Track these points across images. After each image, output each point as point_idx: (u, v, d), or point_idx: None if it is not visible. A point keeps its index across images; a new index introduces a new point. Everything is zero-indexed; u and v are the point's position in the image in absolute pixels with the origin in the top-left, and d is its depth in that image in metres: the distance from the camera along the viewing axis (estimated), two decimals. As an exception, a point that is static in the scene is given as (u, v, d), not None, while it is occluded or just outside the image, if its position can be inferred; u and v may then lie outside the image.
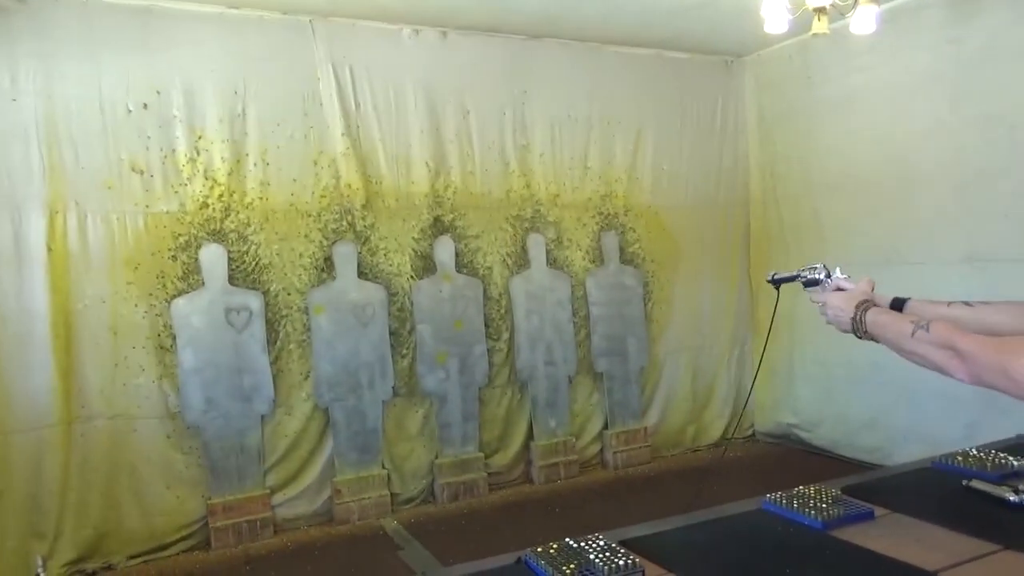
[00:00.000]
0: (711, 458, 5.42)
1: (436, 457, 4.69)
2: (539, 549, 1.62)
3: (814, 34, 3.66)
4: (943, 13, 4.38)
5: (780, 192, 5.61)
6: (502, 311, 4.98)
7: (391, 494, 4.52)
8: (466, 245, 4.88)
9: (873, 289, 1.48)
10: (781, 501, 1.89)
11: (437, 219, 4.79)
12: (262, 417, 4.25)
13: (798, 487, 1.95)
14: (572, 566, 1.51)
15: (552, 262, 5.17)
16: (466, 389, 4.78)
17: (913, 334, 1.22)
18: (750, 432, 5.87)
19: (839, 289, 1.54)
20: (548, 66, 5.12)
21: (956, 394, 4.30)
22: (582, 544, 1.63)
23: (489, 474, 4.82)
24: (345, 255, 4.50)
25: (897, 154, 4.68)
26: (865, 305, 1.38)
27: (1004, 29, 4.08)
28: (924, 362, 1.21)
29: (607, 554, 1.57)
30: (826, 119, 5.19)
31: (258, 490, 4.20)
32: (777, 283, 1.72)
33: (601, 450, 5.27)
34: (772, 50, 5.48)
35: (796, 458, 5.26)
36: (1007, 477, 2.01)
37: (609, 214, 5.41)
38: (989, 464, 2.09)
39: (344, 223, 4.51)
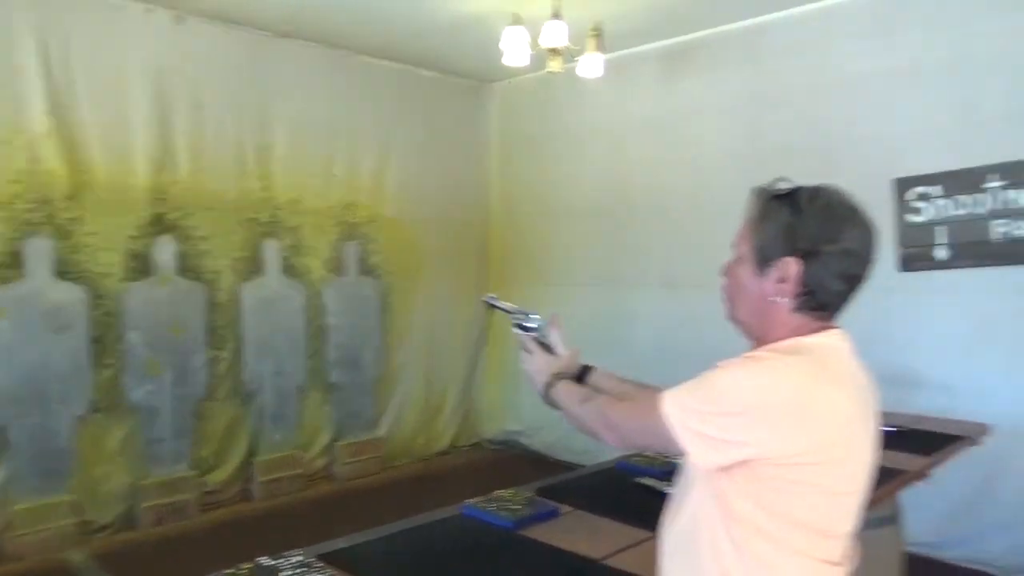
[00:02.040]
0: (440, 466, 5.57)
1: (141, 478, 4.25)
2: (228, 571, 1.54)
3: (549, 72, 3.98)
4: (658, 68, 5.04)
5: (518, 213, 6.00)
6: (229, 319, 4.68)
7: (81, 522, 3.99)
8: (192, 247, 4.52)
9: (576, 355, 1.62)
10: (480, 505, 2.00)
11: (159, 216, 4.38)
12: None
13: (497, 491, 2.09)
14: (262, 586, 1.46)
15: (288, 270, 4.98)
16: (181, 402, 4.40)
17: (580, 406, 1.39)
18: (477, 440, 6.14)
19: (544, 346, 1.62)
20: (295, 67, 4.96)
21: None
22: (277, 562, 1.58)
23: (205, 493, 4.47)
24: (39, 251, 3.93)
25: (617, 184, 5.26)
26: (560, 376, 1.51)
27: (704, 88, 4.80)
28: (587, 431, 1.36)
29: (302, 571, 1.54)
30: (560, 150, 5.67)
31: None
32: (492, 307, 1.80)
33: (330, 463, 5.16)
34: (517, 80, 5.86)
35: (518, 463, 5.60)
36: (670, 474, 2.33)
37: (352, 223, 5.35)
38: (658, 463, 2.41)
39: (41, 214, 3.94)
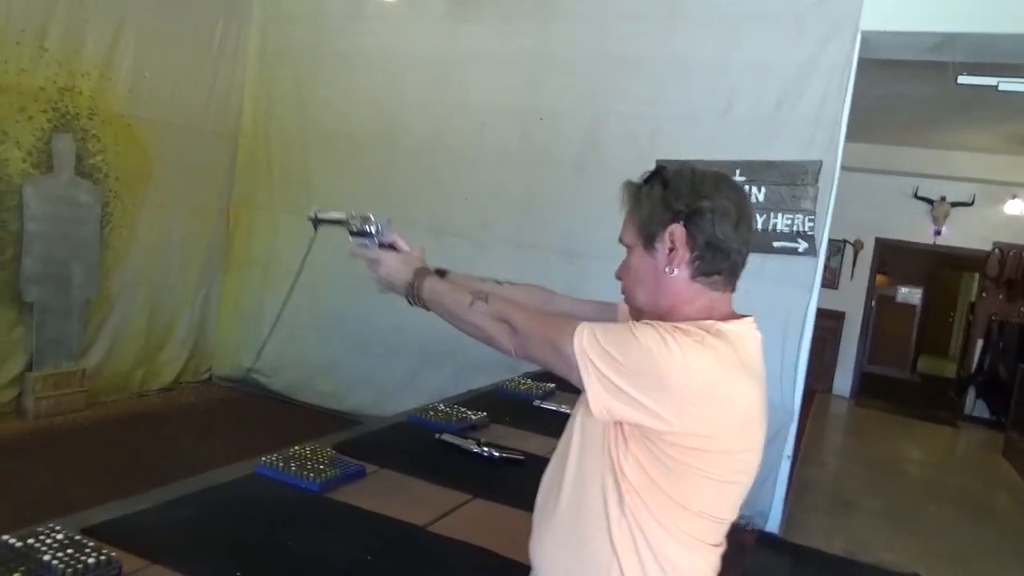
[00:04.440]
0: (161, 403, 4.96)
1: None
2: (-41, 556, 1.16)
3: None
4: (446, 6, 4.81)
5: (274, 131, 5.42)
6: None
7: None
8: None
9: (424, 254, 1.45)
10: (277, 464, 1.78)
11: None
12: None
13: (294, 448, 1.87)
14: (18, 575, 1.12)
15: (-25, 156, 3.97)
16: None
17: (471, 304, 1.23)
18: (207, 376, 5.57)
19: (392, 247, 1.43)
20: None
21: (399, 346, 4.86)
22: (30, 541, 1.23)
23: None
24: None
25: (388, 122, 4.98)
26: (424, 273, 1.34)
27: (488, 37, 4.70)
28: (475, 331, 1.23)
29: (69, 551, 1.22)
30: (329, 72, 5.21)
31: None
32: (318, 222, 1.52)
33: (19, 395, 4.30)
34: None
35: (254, 403, 5.19)
36: (468, 429, 2.30)
37: (68, 113, 4.41)
38: (454, 418, 2.35)
39: None
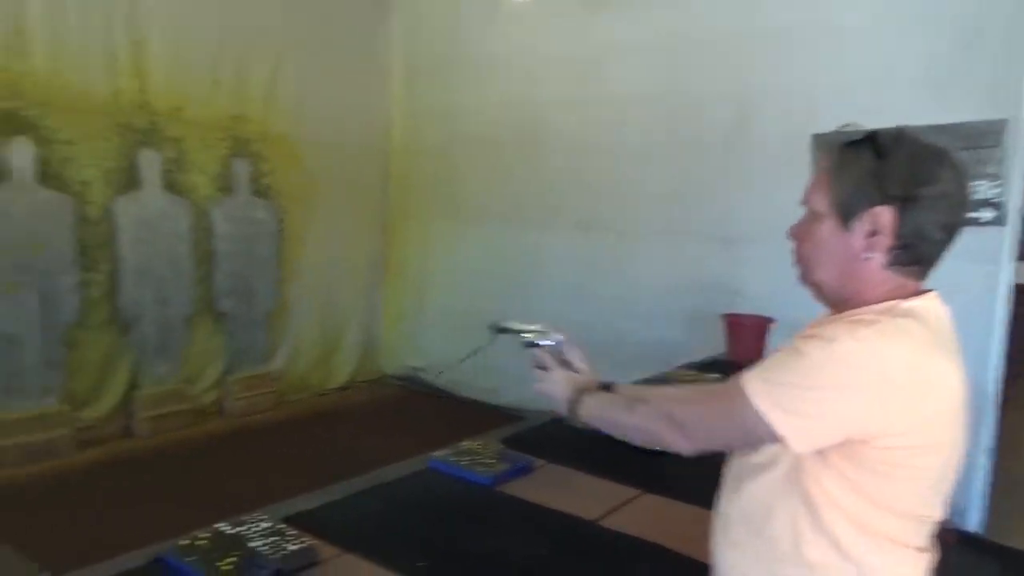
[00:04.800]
0: (338, 402, 5.33)
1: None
2: (184, 543, 1.30)
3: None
4: (581, 3, 4.78)
5: (422, 142, 5.64)
6: (102, 237, 4.12)
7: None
8: (53, 151, 3.90)
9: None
10: (449, 459, 1.84)
11: (11, 113, 3.72)
12: None
13: (463, 443, 1.93)
14: (231, 561, 1.24)
15: (170, 186, 4.44)
16: (47, 330, 3.86)
17: (630, 408, 1.20)
18: (377, 375, 5.92)
19: (565, 363, 1.42)
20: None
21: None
22: (240, 529, 1.36)
23: (79, 429, 4.00)
24: None
25: (530, 121, 5.03)
26: (584, 390, 1.32)
27: (624, 26, 4.62)
28: (641, 435, 1.19)
29: (274, 539, 1.33)
30: (469, 78, 5.33)
31: None
32: (499, 331, 1.58)
33: (220, 398, 4.78)
34: None
35: (421, 400, 5.45)
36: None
37: (242, 139, 4.83)
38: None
39: None
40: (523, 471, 1.83)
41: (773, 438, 0.98)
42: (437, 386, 5.54)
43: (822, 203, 1.06)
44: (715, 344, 3.67)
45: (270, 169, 5.01)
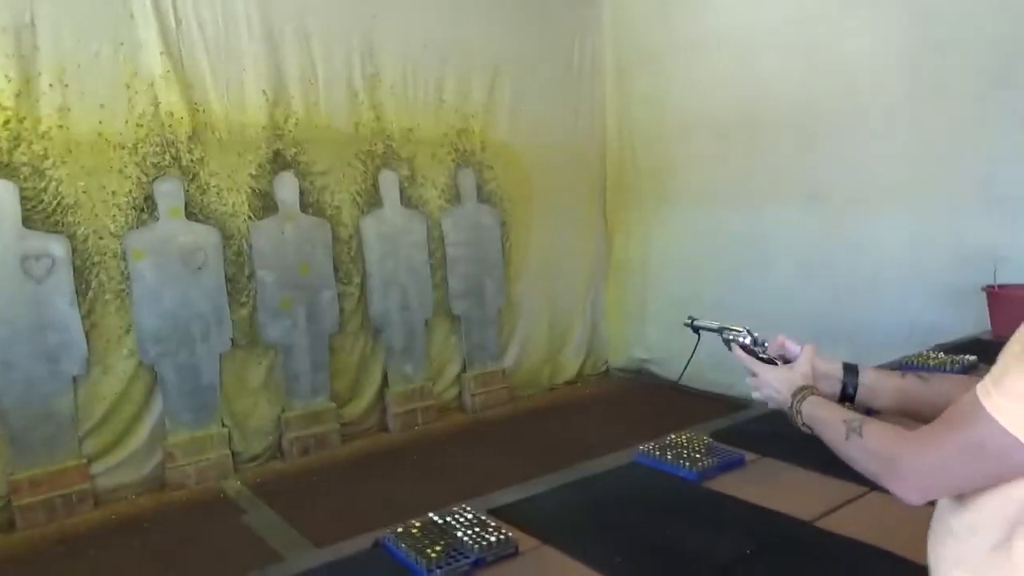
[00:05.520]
0: (568, 395, 5.47)
1: (283, 411, 4.36)
2: (400, 529, 1.43)
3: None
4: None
5: (636, 135, 5.59)
6: (352, 253, 4.65)
7: (232, 453, 4.15)
8: (311, 183, 4.47)
9: (815, 354, 1.31)
10: (654, 453, 1.81)
11: (277, 153, 4.33)
12: (74, 379, 3.71)
13: (669, 436, 1.89)
14: (438, 549, 1.33)
15: (406, 201, 4.87)
16: (315, 338, 4.45)
17: (847, 438, 1.04)
18: (604, 368, 5.98)
19: (772, 360, 1.34)
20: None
21: (788, 328, 4.55)
22: (448, 519, 1.46)
23: (342, 425, 4.56)
24: (169, 193, 3.97)
25: (749, 99, 4.75)
26: (803, 394, 1.21)
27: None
28: (860, 469, 1.04)
29: (476, 529, 1.41)
30: (681, 60, 5.17)
31: (73, 460, 3.70)
32: (696, 329, 1.55)
33: (459, 394, 5.15)
34: None
35: (649, 392, 5.43)
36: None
37: (465, 151, 5.16)
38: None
39: (167, 157, 3.96)
40: (733, 465, 1.74)
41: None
42: (664, 377, 5.46)
43: None
44: (977, 322, 3.20)
45: (493, 176, 5.29)
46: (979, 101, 3.67)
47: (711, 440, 1.86)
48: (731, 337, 1.45)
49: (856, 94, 4.21)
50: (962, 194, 3.76)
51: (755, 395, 1.34)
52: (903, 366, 2.54)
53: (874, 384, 1.24)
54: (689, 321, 1.57)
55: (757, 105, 4.71)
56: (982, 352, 2.47)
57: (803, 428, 1.20)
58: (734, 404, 4.47)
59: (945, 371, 2.42)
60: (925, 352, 2.64)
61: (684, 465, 1.72)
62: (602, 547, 1.39)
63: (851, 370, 1.26)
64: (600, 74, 5.77)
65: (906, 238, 3.99)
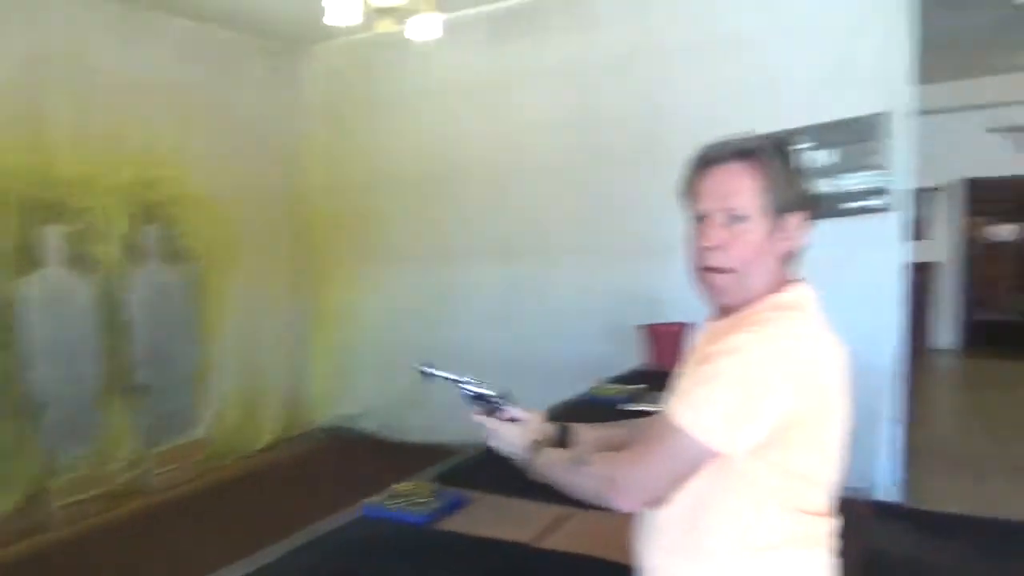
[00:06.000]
0: (271, 461, 5.16)
1: None
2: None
3: (378, 32, 3.65)
4: (488, 31, 4.89)
5: (343, 187, 5.59)
6: (3, 320, 3.92)
7: None
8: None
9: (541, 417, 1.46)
10: (382, 503, 1.82)
11: None
12: None
13: (394, 485, 1.92)
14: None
15: (76, 260, 4.26)
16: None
17: (576, 470, 1.20)
18: (305, 430, 5.77)
19: (511, 419, 1.43)
20: (72, 18, 4.20)
21: (492, 368, 4.89)
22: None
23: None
24: None
25: (450, 156, 5.07)
26: (538, 447, 1.34)
27: (533, 53, 4.75)
28: (588, 495, 1.19)
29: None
30: (387, 119, 5.34)
31: None
32: (427, 376, 1.53)
33: (140, 474, 4.55)
34: (340, 42, 5.41)
35: (353, 450, 5.33)
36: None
37: (152, 203, 4.69)
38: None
39: None
40: (458, 506, 1.83)
41: (715, 457, 1.03)
42: (369, 432, 5.45)
43: (751, 205, 1.10)
44: (638, 354, 3.77)
45: (185, 231, 4.88)
46: (634, 167, 4.38)
47: (436, 485, 1.92)
48: (469, 391, 1.48)
49: (537, 159, 4.76)
50: (623, 248, 4.44)
51: (491, 444, 1.42)
52: (590, 398, 2.90)
53: (583, 436, 1.43)
54: (420, 367, 1.56)
55: (457, 164, 5.07)
56: (648, 380, 2.91)
57: (536, 477, 1.32)
58: (445, 451, 4.62)
59: (621, 399, 2.81)
60: (600, 384, 3.04)
61: (413, 511, 1.76)
62: (343, 604, 1.36)
63: (564, 428, 1.44)
64: (305, 126, 5.69)
65: (581, 286, 4.57)
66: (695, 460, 1.04)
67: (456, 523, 1.73)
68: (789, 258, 1.14)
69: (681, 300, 3.93)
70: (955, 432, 5.49)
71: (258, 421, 5.35)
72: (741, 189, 1.11)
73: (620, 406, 2.73)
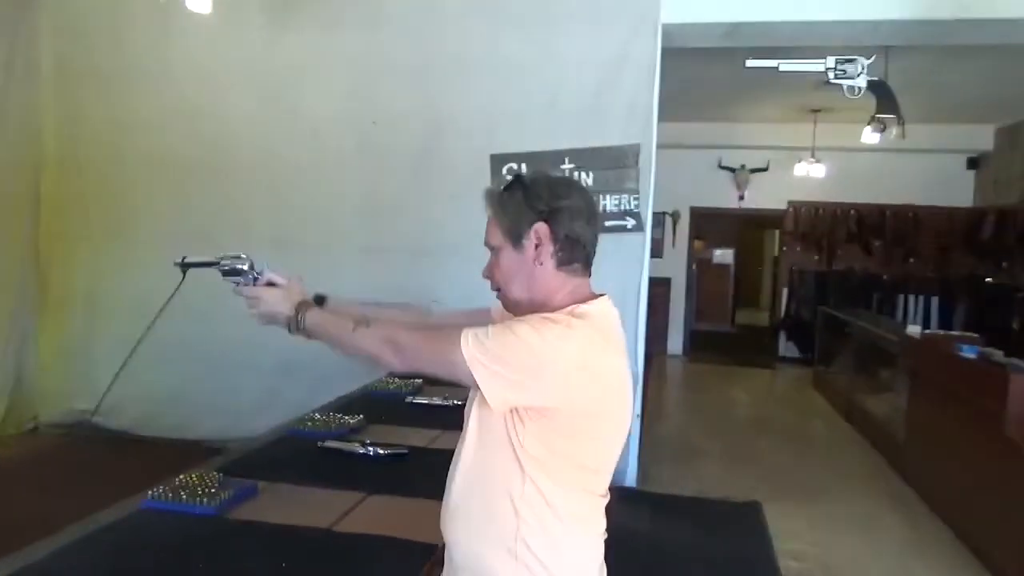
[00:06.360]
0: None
1: None
2: None
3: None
4: (267, 16, 4.67)
5: (84, 156, 4.99)
6: None
7: None
8: None
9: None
10: (165, 495, 1.75)
11: None
12: None
13: (179, 476, 1.85)
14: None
15: None
16: None
17: (355, 330, 1.32)
18: (32, 426, 5.09)
19: (271, 284, 1.49)
20: None
21: (257, 364, 4.72)
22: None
23: None
24: None
25: (216, 138, 4.77)
26: (305, 305, 1.42)
27: (314, 46, 4.65)
28: (360, 353, 1.33)
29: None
30: (142, 90, 4.87)
31: None
32: (187, 267, 1.56)
33: None
34: None
35: (94, 447, 4.79)
36: (348, 433, 2.35)
37: None
38: (333, 425, 2.40)
39: None
40: (248, 494, 1.81)
41: (472, 382, 1.21)
42: (114, 429, 4.95)
43: (496, 238, 1.33)
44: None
45: None
46: (416, 173, 4.50)
47: (222, 475, 1.88)
48: (229, 266, 1.51)
49: (316, 151, 4.68)
50: (400, 248, 4.54)
51: (252, 316, 1.48)
52: (369, 392, 2.97)
53: (344, 309, 1.53)
54: (180, 260, 1.58)
55: (224, 147, 4.77)
56: (424, 377, 3.04)
57: (299, 334, 1.41)
58: (196, 447, 4.36)
59: (403, 392, 2.91)
60: (384, 379, 3.13)
61: (200, 501, 1.71)
62: (132, 600, 1.32)
63: (320, 299, 1.55)
64: (36, 82, 5.00)
65: (362, 282, 4.51)
66: (455, 371, 1.22)
67: (249, 512, 1.73)
68: (562, 261, 1.30)
69: (457, 299, 4.18)
70: (680, 425, 6.36)
71: (-30, 415, 4.63)
72: (490, 225, 1.35)
73: (407, 399, 2.83)
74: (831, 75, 4.37)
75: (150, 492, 1.76)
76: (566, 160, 4.34)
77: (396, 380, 3.08)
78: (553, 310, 1.28)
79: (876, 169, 8.54)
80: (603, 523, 1.34)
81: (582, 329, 1.23)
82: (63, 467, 4.51)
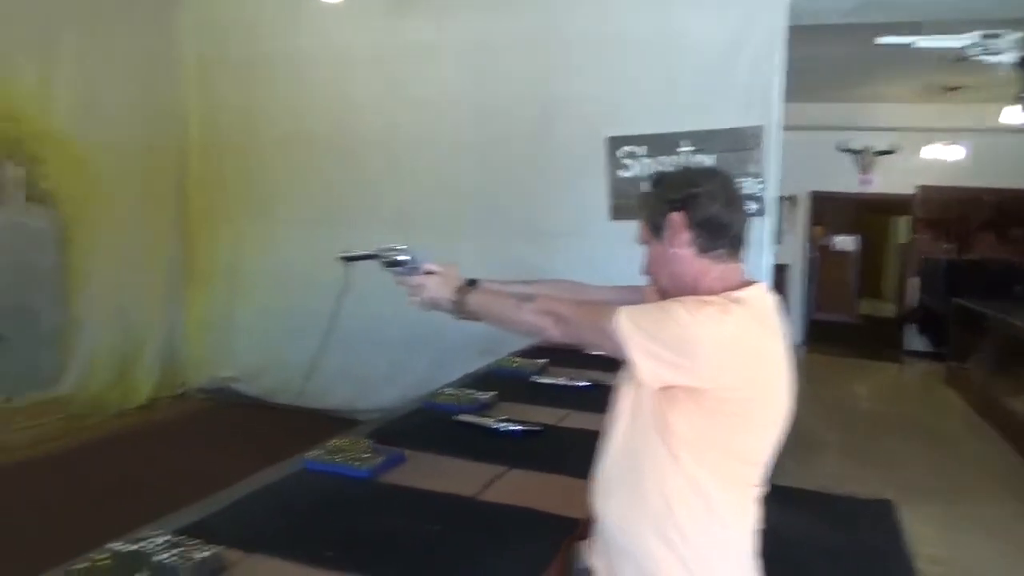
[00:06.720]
0: (140, 421, 4.94)
1: None
2: (81, 566, 1.26)
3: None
4: (387, 3, 4.86)
5: (224, 141, 5.39)
6: None
7: None
8: None
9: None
10: (324, 457, 1.90)
11: None
12: None
13: (332, 441, 1.99)
14: (142, 577, 1.23)
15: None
16: None
17: (519, 307, 1.41)
18: (181, 391, 5.56)
19: (429, 272, 1.57)
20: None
21: (381, 338, 4.94)
22: (140, 546, 1.34)
23: None
24: None
25: (342, 121, 5.02)
26: (465, 290, 1.51)
27: (432, 30, 4.79)
28: (526, 328, 1.44)
29: (176, 549, 1.33)
30: (274, 76, 5.19)
31: None
32: (349, 260, 1.67)
33: (-2, 429, 4.25)
34: None
35: (234, 412, 5.20)
36: (481, 408, 2.45)
37: (10, 139, 4.33)
38: (464, 400, 2.50)
39: None
40: (397, 462, 1.93)
41: (629, 359, 1.25)
42: (250, 395, 5.34)
43: (644, 233, 1.41)
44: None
45: (48, 173, 4.54)
46: (531, 156, 4.57)
47: (372, 442, 2.02)
48: (390, 257, 1.59)
49: (435, 133, 4.85)
50: (516, 229, 4.63)
51: (415, 304, 1.58)
52: (494, 370, 3.06)
53: (496, 288, 1.59)
54: (342, 255, 1.70)
55: (349, 129, 5.02)
56: (547, 354, 3.10)
57: (463, 316, 1.50)
58: (334, 417, 4.62)
59: (527, 372, 2.99)
60: (508, 357, 3.21)
61: (355, 465, 1.85)
62: (307, 546, 1.45)
63: (472, 283, 1.59)
64: (181, 74, 5.41)
65: (479, 261, 4.67)
66: (612, 346, 1.27)
67: (398, 477, 1.85)
68: (702, 247, 1.32)
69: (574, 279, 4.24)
70: (800, 417, 6.16)
71: (129, 380, 5.12)
72: (640, 224, 1.42)
73: (532, 378, 2.90)
74: (977, 51, 4.09)
75: (309, 454, 1.91)
76: (685, 142, 4.26)
77: (519, 359, 3.15)
78: (702, 293, 1.30)
79: (1016, 151, 7.89)
80: (757, 515, 1.34)
81: (738, 313, 1.24)
82: (210, 429, 4.92)
